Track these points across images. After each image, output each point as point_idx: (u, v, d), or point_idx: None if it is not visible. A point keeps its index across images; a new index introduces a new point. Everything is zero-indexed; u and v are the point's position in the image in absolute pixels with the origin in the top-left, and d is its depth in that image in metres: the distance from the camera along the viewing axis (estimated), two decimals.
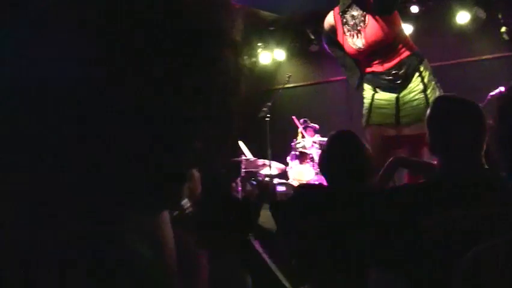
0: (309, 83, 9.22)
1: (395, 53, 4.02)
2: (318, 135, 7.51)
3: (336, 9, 4.18)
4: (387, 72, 4.04)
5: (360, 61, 4.16)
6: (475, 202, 1.86)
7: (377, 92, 4.16)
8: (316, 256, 2.18)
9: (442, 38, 7.68)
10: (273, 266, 0.85)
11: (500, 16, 7.11)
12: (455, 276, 1.02)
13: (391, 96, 4.09)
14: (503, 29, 7.14)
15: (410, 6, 7.54)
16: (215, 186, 0.92)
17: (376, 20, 3.94)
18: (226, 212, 0.82)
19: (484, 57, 7.55)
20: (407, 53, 4.02)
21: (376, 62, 4.08)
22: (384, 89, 4.12)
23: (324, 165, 2.55)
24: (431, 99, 3.85)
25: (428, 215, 1.91)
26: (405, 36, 4.14)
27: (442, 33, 7.67)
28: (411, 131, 3.95)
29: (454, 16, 7.46)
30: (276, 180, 6.71)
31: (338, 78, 6.97)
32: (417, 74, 4.01)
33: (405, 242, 1.95)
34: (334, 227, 2.17)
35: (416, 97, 3.99)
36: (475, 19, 7.32)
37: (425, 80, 4.00)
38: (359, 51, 4.07)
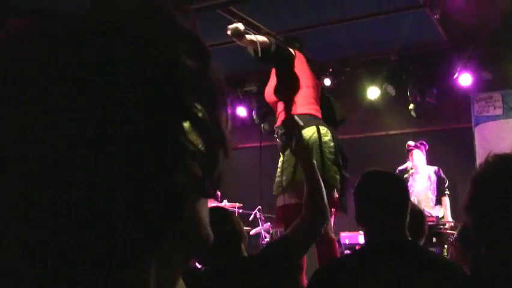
0: None
1: (280, 112, 3.89)
2: (225, 200, 7.24)
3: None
4: (275, 129, 3.94)
5: None
6: (402, 273, 1.92)
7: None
8: None
9: (353, 112, 7.77)
10: None
11: (408, 93, 7.29)
12: None
13: (280, 159, 3.84)
14: (411, 106, 7.33)
15: (323, 79, 7.62)
16: None
17: (271, 77, 3.99)
18: None
19: (391, 132, 7.67)
20: (286, 116, 3.82)
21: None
22: (279, 150, 3.92)
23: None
24: None
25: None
26: (294, 100, 3.82)
27: (353, 106, 7.77)
28: (291, 200, 3.55)
29: (365, 91, 7.59)
30: None
31: (248, 145, 6.79)
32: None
33: None
34: None
35: (291, 163, 3.62)
36: (384, 95, 7.49)
37: None
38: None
